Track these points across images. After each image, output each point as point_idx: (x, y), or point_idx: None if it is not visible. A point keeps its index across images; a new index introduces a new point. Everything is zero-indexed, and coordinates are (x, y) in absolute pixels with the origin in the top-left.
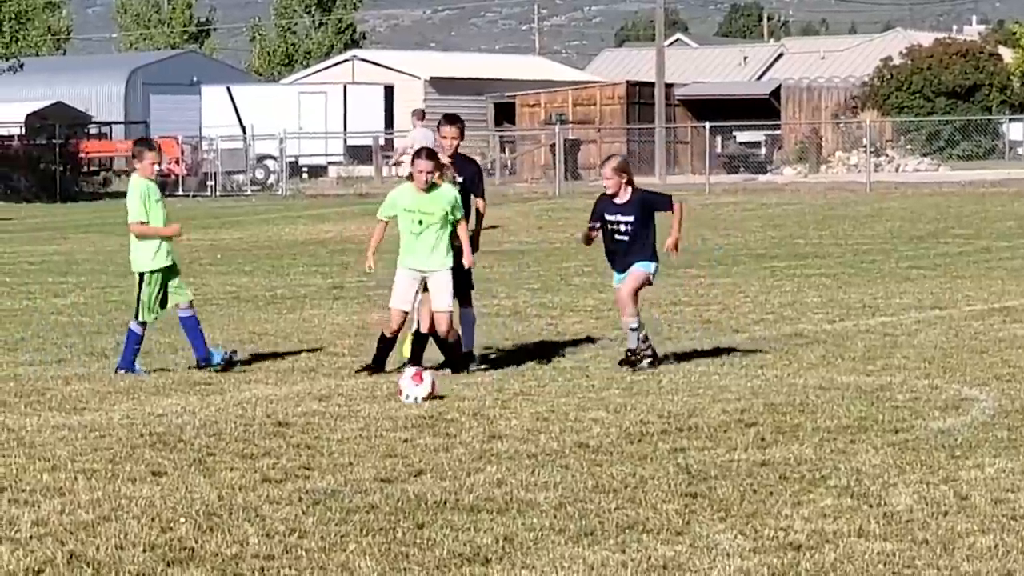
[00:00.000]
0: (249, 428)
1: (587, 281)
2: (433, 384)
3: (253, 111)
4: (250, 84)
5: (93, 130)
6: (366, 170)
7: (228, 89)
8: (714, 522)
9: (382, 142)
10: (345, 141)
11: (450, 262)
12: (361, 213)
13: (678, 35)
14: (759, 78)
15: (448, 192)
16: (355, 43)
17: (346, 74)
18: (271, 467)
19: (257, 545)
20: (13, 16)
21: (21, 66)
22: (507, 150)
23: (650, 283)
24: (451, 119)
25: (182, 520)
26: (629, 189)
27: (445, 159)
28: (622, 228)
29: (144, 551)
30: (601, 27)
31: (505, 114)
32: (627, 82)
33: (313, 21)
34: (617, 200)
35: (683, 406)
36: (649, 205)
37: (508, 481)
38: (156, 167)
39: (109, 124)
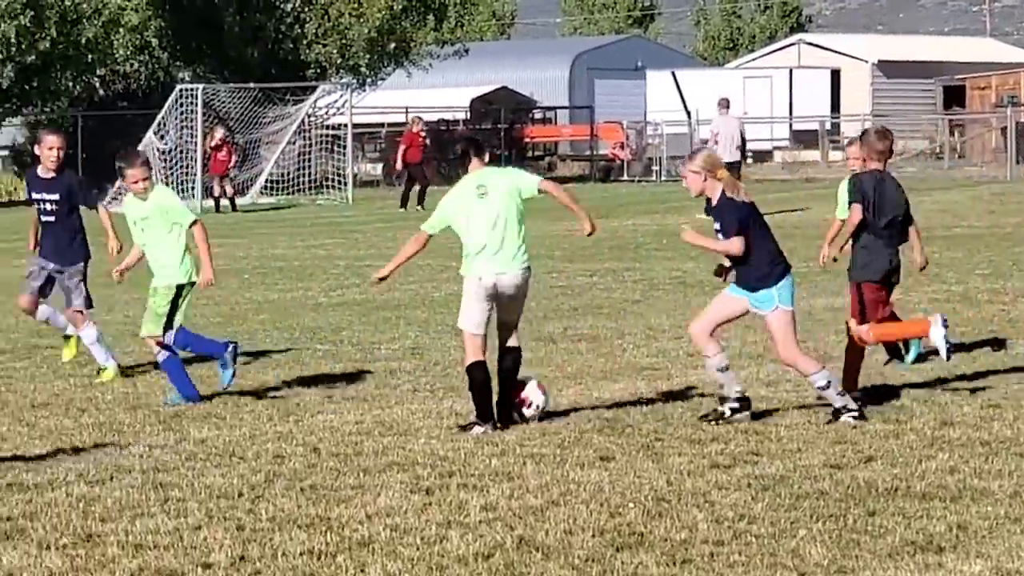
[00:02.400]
0: (697, 413)
1: None
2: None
3: (698, 96)
4: (695, 68)
5: (538, 115)
6: (812, 155)
7: (673, 74)
8: None
9: (828, 127)
10: (791, 126)
11: None
12: (807, 198)
13: None
14: None
15: None
16: (800, 27)
17: (791, 58)
18: (719, 452)
19: (706, 531)
20: (459, 1)
21: (467, 51)
22: (956, 133)
23: None
24: None
25: (631, 505)
26: None
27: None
28: None
29: (593, 536)
30: None
31: (954, 97)
32: None
33: (758, 5)
34: None
35: None
36: None
37: (960, 469)
38: (144, 183)
39: (554, 109)
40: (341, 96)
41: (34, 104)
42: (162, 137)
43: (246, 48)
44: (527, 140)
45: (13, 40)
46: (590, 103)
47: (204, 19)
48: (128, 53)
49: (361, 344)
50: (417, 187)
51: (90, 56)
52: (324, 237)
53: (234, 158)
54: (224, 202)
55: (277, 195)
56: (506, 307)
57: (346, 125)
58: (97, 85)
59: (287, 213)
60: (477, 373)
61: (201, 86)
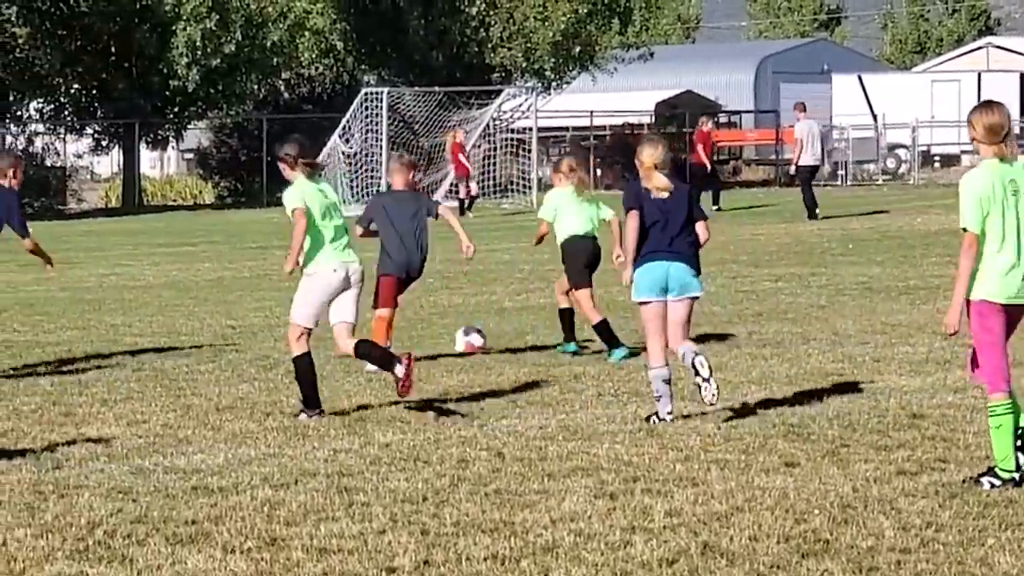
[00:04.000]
0: (883, 419)
1: None
2: None
3: (884, 100)
4: (881, 72)
5: (722, 119)
6: None
7: (859, 78)
8: None
9: (1017, 130)
10: None
11: None
12: None
13: None
14: None
15: None
16: (989, 30)
17: (980, 62)
18: (906, 459)
19: (893, 538)
20: (644, 5)
21: (651, 55)
22: None
23: None
24: None
25: (816, 512)
26: None
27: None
28: None
29: (778, 542)
30: None
31: None
32: None
33: (946, 8)
34: None
35: None
36: None
37: None
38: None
39: (739, 113)
40: (526, 100)
41: (219, 107)
42: (347, 141)
43: (431, 51)
44: (713, 144)
45: (199, 43)
46: (775, 107)
47: (389, 22)
48: (313, 56)
49: (545, 348)
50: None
51: (275, 59)
52: (508, 241)
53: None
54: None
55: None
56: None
57: (531, 129)
58: (282, 88)
59: (472, 217)
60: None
61: (386, 89)
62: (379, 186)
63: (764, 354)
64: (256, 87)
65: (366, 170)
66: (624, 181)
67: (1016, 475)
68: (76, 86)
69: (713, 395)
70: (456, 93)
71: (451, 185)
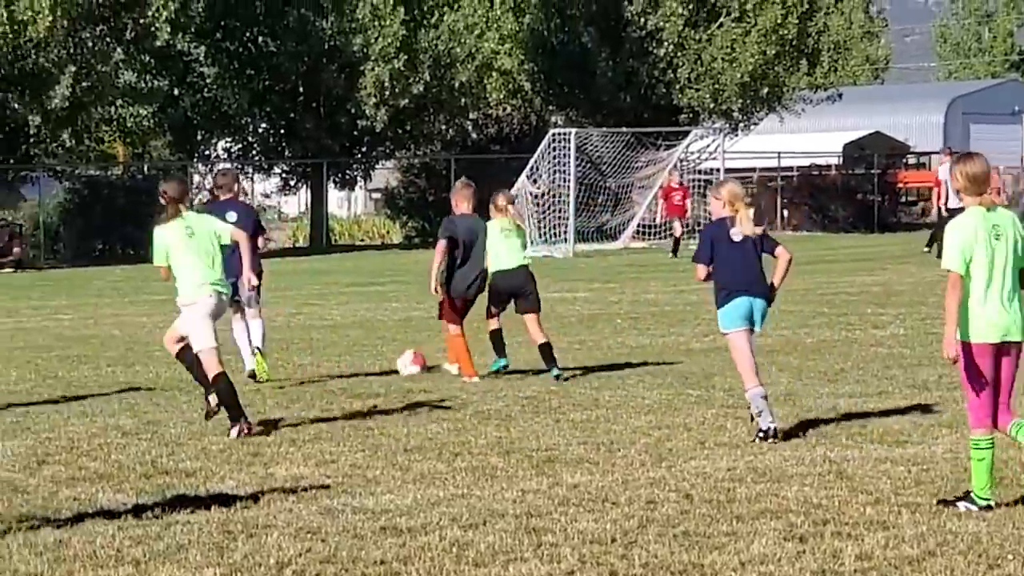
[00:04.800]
0: None
1: None
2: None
3: None
4: None
5: (911, 160)
6: None
7: None
8: None
9: None
10: None
11: None
12: None
13: None
14: None
15: None
16: None
17: None
18: None
19: None
20: (832, 46)
21: (839, 96)
22: None
23: None
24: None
25: (1010, 557)
26: None
27: None
28: None
29: None
30: None
31: None
32: None
33: None
34: None
35: None
36: None
37: None
38: None
39: (928, 154)
40: (713, 141)
41: (407, 147)
42: (535, 181)
43: (619, 92)
44: (900, 185)
45: (387, 83)
46: (965, 148)
47: (577, 63)
48: (501, 97)
49: (733, 390)
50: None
51: (463, 100)
52: (696, 282)
53: (688, 201)
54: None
55: (649, 239)
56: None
57: (718, 170)
58: (470, 129)
59: (659, 257)
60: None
61: (574, 130)
62: (566, 226)
63: (955, 397)
64: (444, 127)
65: (554, 210)
66: (811, 222)
67: (991, 502)
68: (264, 125)
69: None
70: (643, 134)
71: (638, 226)
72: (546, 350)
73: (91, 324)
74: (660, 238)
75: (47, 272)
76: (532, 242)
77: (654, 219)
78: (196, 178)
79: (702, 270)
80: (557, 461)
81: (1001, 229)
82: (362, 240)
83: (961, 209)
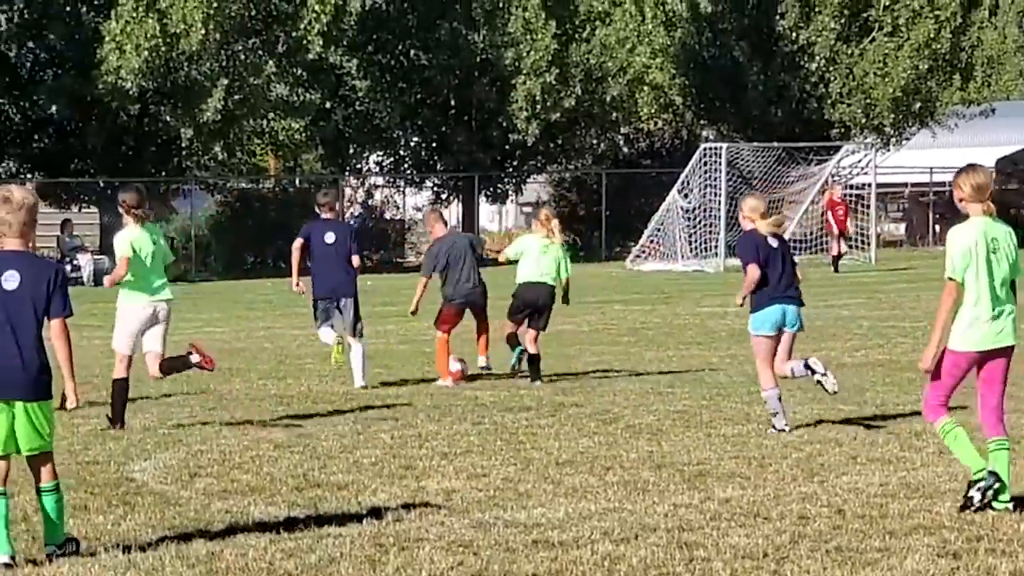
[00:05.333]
0: None
1: None
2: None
3: None
4: None
5: None
6: None
7: None
8: None
9: None
10: None
11: None
12: None
13: None
14: None
15: None
16: None
17: None
18: None
19: None
20: (985, 60)
21: (993, 111)
22: None
23: None
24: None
25: None
26: None
27: None
28: None
29: None
30: None
31: None
32: None
33: None
34: None
35: None
36: None
37: None
38: None
39: None
40: (865, 156)
41: (558, 161)
42: (686, 196)
43: (770, 107)
44: None
45: (539, 97)
46: None
47: (728, 78)
48: (652, 111)
49: (884, 405)
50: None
51: (614, 114)
52: (847, 297)
53: (849, 216)
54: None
55: (800, 254)
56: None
57: (870, 185)
58: (621, 143)
59: (810, 272)
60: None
61: (725, 145)
62: (717, 241)
63: None
64: (595, 141)
65: (705, 225)
66: None
67: (986, 470)
68: (416, 139)
69: (834, 384)
70: (794, 149)
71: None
72: (535, 361)
73: (242, 337)
74: (812, 252)
75: (198, 285)
76: (683, 256)
77: (805, 234)
78: (348, 191)
79: (755, 269)
80: (708, 475)
81: (998, 243)
82: None
83: None
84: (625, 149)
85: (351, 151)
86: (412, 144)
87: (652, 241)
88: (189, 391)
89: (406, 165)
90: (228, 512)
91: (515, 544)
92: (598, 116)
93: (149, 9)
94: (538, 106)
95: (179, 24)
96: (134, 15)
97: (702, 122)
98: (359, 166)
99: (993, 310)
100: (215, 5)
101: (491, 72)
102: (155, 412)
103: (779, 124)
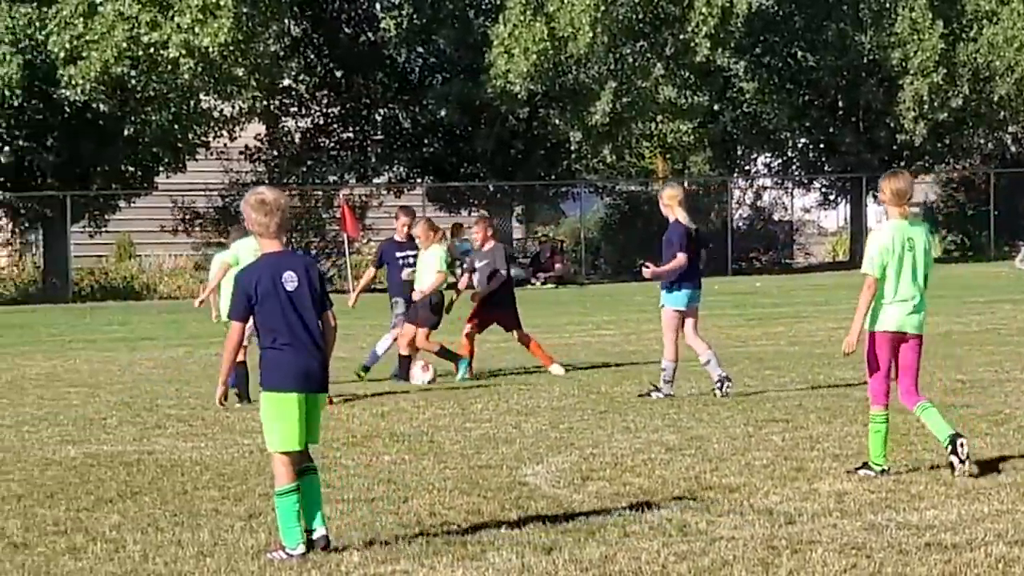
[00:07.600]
0: None
1: None
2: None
3: None
4: None
5: None
6: None
7: None
8: None
9: None
10: None
11: None
12: None
13: None
14: None
15: None
16: None
17: None
18: None
19: None
20: None
21: None
22: None
23: None
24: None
25: None
26: None
27: None
28: None
29: None
30: None
31: None
32: None
33: None
34: None
35: None
36: None
37: None
38: None
39: None
40: None
41: (946, 161)
42: None
43: None
44: None
45: (925, 97)
46: None
47: None
48: None
49: None
50: None
51: (1002, 113)
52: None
53: None
54: None
55: None
56: None
57: None
58: (1008, 142)
59: None
60: None
61: None
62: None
63: None
64: (983, 141)
65: None
66: None
67: (886, 467)
68: (803, 140)
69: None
70: None
71: None
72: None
73: (633, 339)
74: None
75: (588, 287)
76: None
77: None
78: (736, 193)
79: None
80: None
81: (914, 242)
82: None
83: None
84: (1013, 148)
85: (739, 153)
86: (799, 145)
87: None
88: (579, 393)
89: (794, 166)
90: (621, 515)
91: (908, 546)
92: (986, 115)
93: (537, 13)
94: (925, 106)
95: (567, 27)
96: (522, 19)
97: None
98: (747, 167)
99: (906, 300)
100: (603, 8)
101: (878, 73)
102: (547, 416)
103: None
